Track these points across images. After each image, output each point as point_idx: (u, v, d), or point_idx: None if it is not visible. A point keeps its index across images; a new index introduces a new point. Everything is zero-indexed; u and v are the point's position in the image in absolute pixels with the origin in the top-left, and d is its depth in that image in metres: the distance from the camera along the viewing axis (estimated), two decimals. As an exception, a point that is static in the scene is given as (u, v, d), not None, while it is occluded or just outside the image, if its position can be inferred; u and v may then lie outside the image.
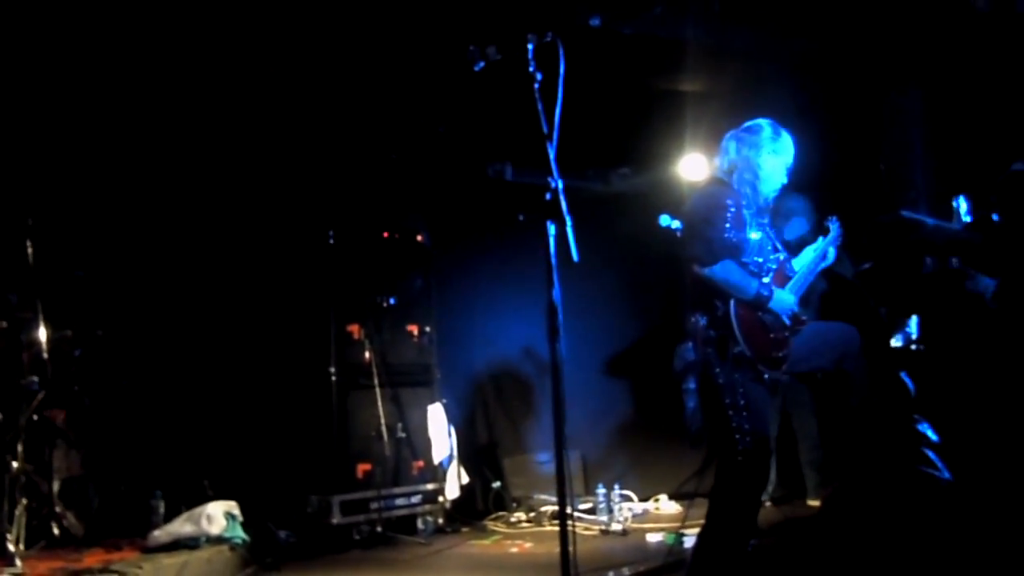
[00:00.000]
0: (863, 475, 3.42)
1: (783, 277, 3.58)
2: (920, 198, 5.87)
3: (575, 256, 2.40)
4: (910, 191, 5.97)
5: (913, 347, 3.59)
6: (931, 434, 3.32)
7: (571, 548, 2.44)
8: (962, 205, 4.11)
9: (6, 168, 4.81)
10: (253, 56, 5.35)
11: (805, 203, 5.33)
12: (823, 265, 3.87)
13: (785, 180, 3.58)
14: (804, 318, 3.54)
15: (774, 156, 3.53)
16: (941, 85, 5.93)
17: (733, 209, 3.42)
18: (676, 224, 4.81)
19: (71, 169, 5.16)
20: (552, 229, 2.42)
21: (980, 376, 3.56)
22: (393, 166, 6.09)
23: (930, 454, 3.24)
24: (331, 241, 5.56)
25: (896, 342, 3.52)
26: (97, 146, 5.31)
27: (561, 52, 2.51)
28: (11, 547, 3.96)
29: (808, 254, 3.81)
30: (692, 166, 6.04)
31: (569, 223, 2.40)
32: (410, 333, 5.81)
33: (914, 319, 3.55)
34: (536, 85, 2.49)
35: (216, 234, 5.59)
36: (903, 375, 3.78)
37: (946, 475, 3.18)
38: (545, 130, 2.48)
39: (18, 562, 3.91)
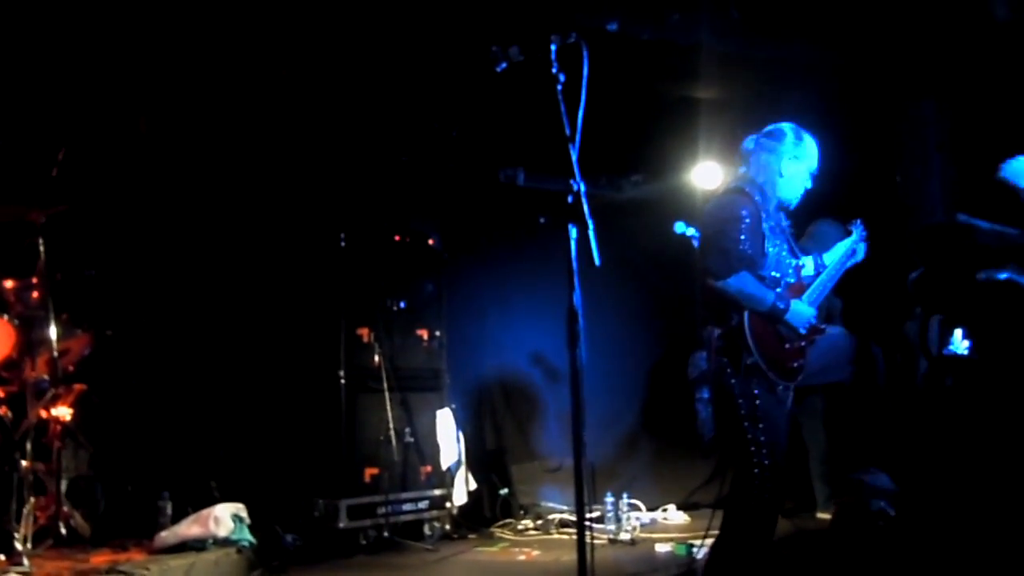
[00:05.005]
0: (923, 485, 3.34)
1: (800, 289, 3.53)
2: (937, 210, 5.82)
3: (597, 260, 2.37)
4: (927, 202, 5.92)
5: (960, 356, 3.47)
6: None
7: (588, 555, 2.40)
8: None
9: (18, 166, 4.81)
10: (266, 57, 5.34)
11: (839, 227, 5.26)
12: (852, 262, 3.80)
13: (809, 185, 3.54)
14: (822, 327, 3.50)
15: (796, 161, 3.49)
16: (960, 95, 5.89)
17: (748, 220, 3.38)
18: (691, 231, 4.77)
19: (82, 168, 5.16)
20: (573, 232, 2.39)
21: None
22: (405, 170, 6.07)
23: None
24: (342, 244, 5.54)
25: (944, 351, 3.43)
26: (110, 146, 5.31)
27: (585, 53, 2.48)
28: (19, 546, 3.95)
29: (839, 249, 3.75)
30: (705, 174, 6.01)
31: (591, 226, 2.36)
32: (420, 337, 5.78)
33: (958, 331, 3.44)
34: (559, 86, 2.47)
35: (227, 236, 5.58)
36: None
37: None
38: (568, 132, 2.45)
39: (25, 561, 3.90)
